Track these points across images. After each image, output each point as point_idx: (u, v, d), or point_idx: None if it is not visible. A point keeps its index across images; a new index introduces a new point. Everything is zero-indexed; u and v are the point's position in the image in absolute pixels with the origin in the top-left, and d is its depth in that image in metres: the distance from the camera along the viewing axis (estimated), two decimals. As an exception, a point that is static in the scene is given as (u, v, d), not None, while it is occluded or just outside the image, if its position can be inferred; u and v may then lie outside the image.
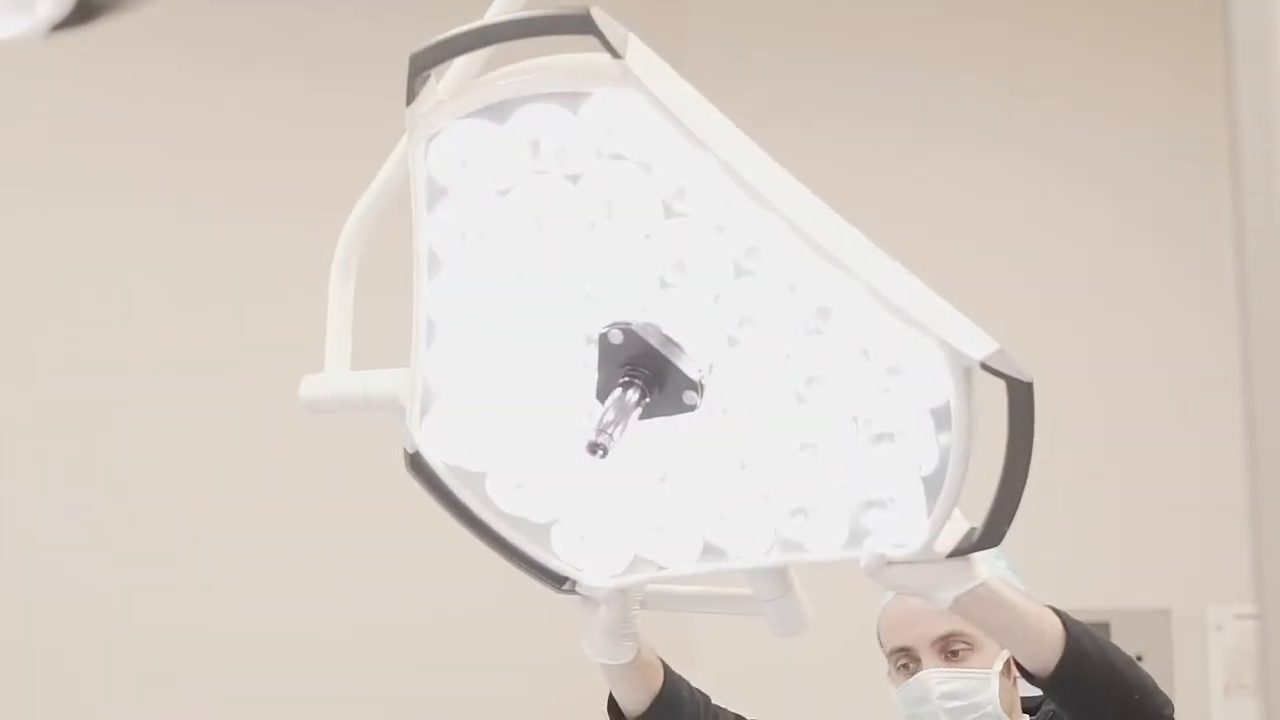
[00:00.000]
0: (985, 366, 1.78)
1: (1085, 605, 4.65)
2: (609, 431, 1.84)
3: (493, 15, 1.86)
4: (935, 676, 2.56)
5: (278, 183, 4.57)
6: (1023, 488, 1.84)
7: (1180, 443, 4.90)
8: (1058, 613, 2.16)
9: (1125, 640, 4.75)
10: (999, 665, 2.55)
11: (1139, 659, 4.61)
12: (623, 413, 1.85)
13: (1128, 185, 4.99)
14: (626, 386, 1.87)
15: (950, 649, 2.57)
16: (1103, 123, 4.97)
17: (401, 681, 4.68)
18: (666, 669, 2.41)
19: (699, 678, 2.54)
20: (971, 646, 2.56)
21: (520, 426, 1.98)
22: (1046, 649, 2.12)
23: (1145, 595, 4.84)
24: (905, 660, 2.59)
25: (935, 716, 2.56)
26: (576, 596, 2.09)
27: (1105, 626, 4.73)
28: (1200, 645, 4.79)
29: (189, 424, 4.62)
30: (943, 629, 2.55)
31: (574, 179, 1.84)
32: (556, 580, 2.06)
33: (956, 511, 1.89)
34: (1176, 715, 2.29)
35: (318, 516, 4.61)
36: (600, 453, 1.83)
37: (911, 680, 2.58)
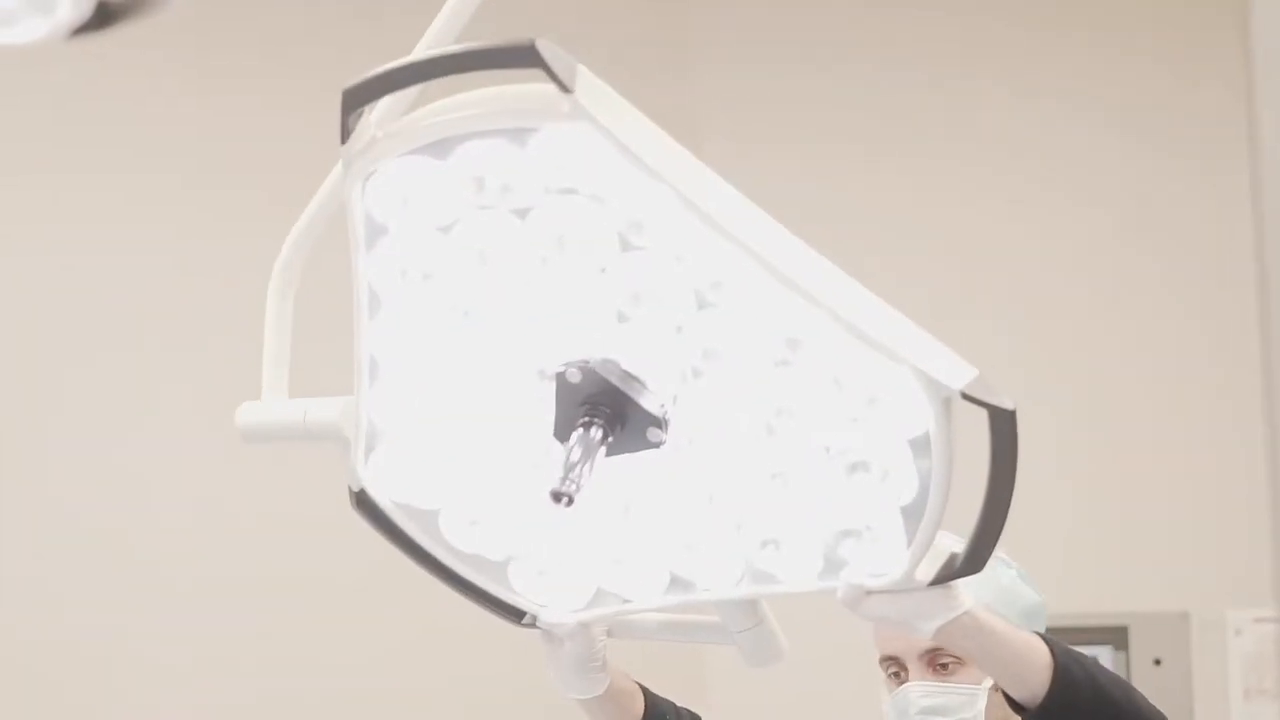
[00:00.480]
0: (965, 396, 1.72)
1: (1103, 609, 4.65)
2: (573, 478, 1.78)
3: (431, 48, 1.79)
4: (917, 690, 2.46)
5: (296, 188, 4.50)
6: (1006, 515, 1.78)
7: (1199, 445, 4.83)
8: (1046, 640, 2.08)
9: (1144, 644, 4.81)
10: (989, 681, 2.47)
11: (1158, 663, 4.63)
12: (586, 456, 1.79)
13: (1130, 185, 4.94)
14: (588, 427, 1.80)
15: (939, 662, 2.46)
16: (1104, 123, 4.91)
17: (411, 692, 4.65)
18: (646, 693, 2.34)
19: (711, 709, 2.49)
20: (961, 660, 2.44)
21: (473, 464, 1.91)
22: (1034, 678, 2.04)
23: (1164, 599, 4.76)
24: (895, 669, 2.50)
25: None
26: (538, 631, 2.03)
27: (1124, 630, 4.69)
28: (1220, 649, 4.72)
29: (197, 428, 4.57)
30: (931, 641, 2.48)
31: (522, 214, 1.76)
32: (516, 614, 2.00)
33: (939, 537, 1.82)
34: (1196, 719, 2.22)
35: (325, 527, 4.57)
36: (565, 502, 1.77)
37: (897, 692, 2.49)
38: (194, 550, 4.56)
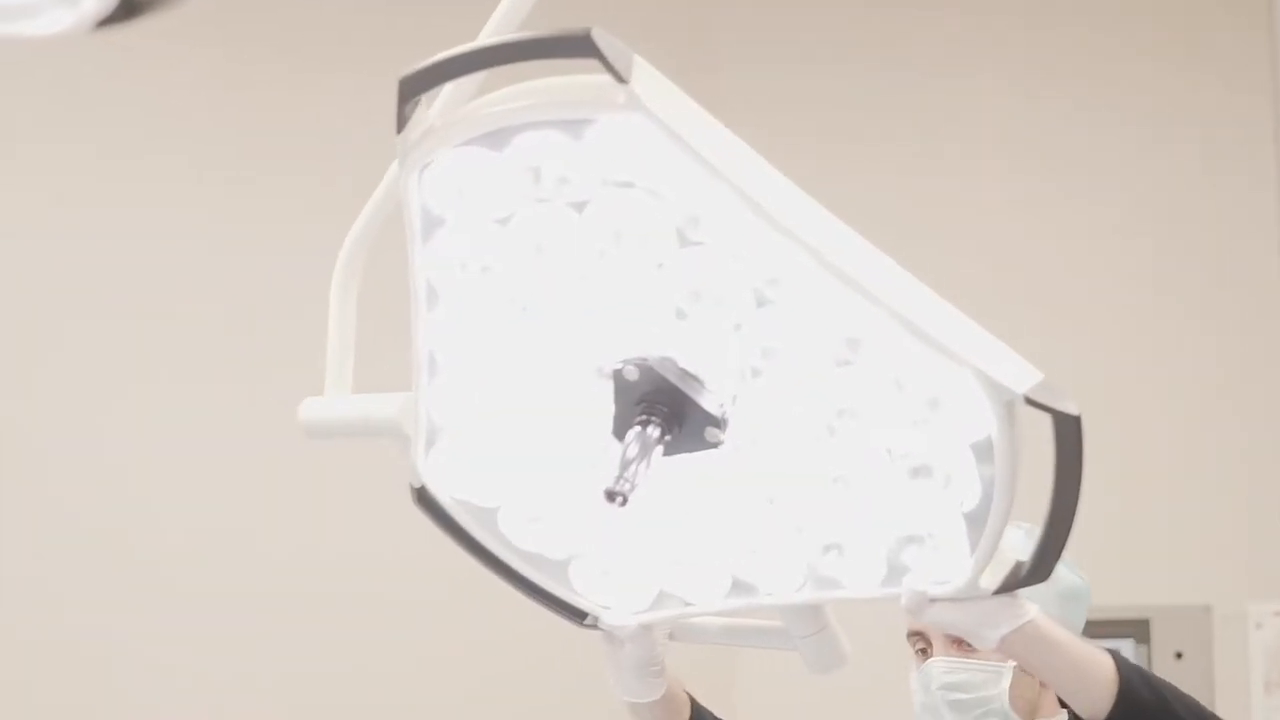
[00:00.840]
0: (1029, 400, 1.69)
1: (1125, 602, 4.64)
2: (628, 477, 1.74)
3: (488, 36, 1.75)
4: (940, 666, 2.43)
5: (318, 183, 4.47)
6: (1072, 522, 1.76)
7: (1221, 438, 4.83)
8: (1113, 655, 2.04)
9: (1166, 637, 4.80)
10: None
11: (1179, 656, 4.62)
12: (642, 455, 1.75)
13: (1132, 185, 4.93)
14: (645, 425, 1.76)
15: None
16: (1105, 123, 4.89)
17: (410, 691, 4.62)
18: (693, 702, 2.31)
19: (738, 712, 2.46)
20: None
21: (532, 461, 1.88)
22: (1098, 693, 2.00)
23: (1185, 592, 4.78)
24: (922, 645, 2.47)
25: (936, 709, 2.44)
26: (599, 632, 2.00)
27: (1145, 623, 4.71)
28: (1240, 642, 4.74)
29: (199, 428, 4.54)
30: None
31: (579, 207, 1.72)
32: (578, 615, 1.97)
33: (1004, 539, 1.78)
34: (1217, 713, 2.17)
35: (327, 528, 4.54)
36: (620, 501, 1.74)
37: (922, 667, 2.46)
38: (194, 551, 4.54)
